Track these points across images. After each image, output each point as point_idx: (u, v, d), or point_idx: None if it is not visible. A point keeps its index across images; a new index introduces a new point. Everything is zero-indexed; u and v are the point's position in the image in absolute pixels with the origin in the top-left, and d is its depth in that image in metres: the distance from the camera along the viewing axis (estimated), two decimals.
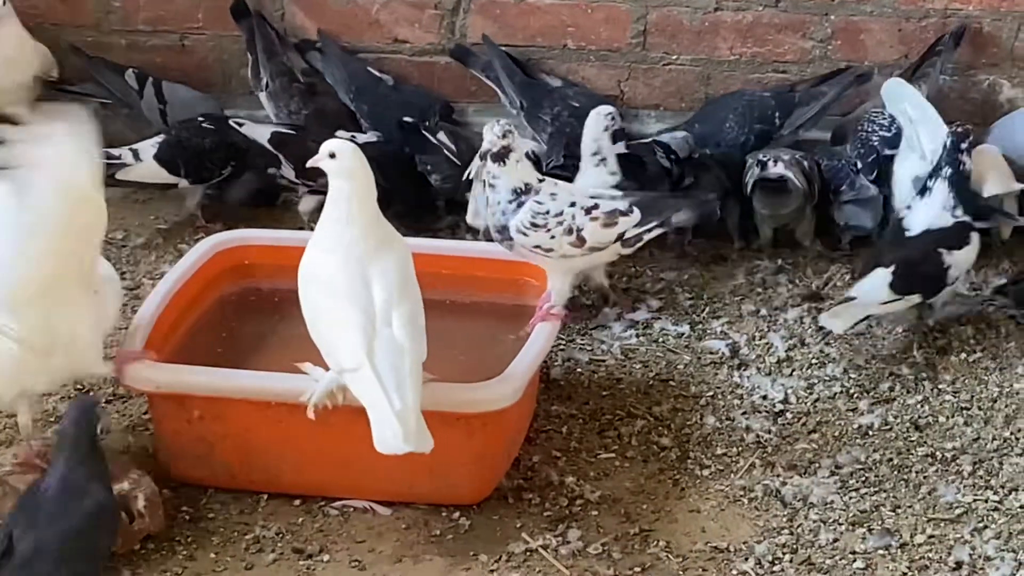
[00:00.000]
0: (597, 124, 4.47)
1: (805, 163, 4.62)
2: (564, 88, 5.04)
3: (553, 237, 4.02)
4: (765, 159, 4.60)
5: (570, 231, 4.04)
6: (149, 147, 4.75)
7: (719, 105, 4.95)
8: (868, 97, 4.93)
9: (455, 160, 4.76)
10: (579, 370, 4.16)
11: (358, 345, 3.36)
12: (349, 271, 3.42)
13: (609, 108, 4.51)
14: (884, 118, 4.68)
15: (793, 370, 4.16)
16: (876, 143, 4.65)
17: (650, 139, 4.80)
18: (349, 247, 3.45)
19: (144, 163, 4.71)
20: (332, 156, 3.49)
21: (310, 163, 3.55)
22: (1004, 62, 4.95)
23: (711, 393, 4.07)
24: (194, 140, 4.77)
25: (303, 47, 5.15)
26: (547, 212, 4.02)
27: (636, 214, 4.12)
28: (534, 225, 4.01)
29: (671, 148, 4.71)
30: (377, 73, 5.10)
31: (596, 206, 4.09)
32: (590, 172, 4.48)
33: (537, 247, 4.03)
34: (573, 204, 4.07)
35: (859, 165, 4.64)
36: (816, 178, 4.63)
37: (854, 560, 3.48)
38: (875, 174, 4.61)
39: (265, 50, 5.03)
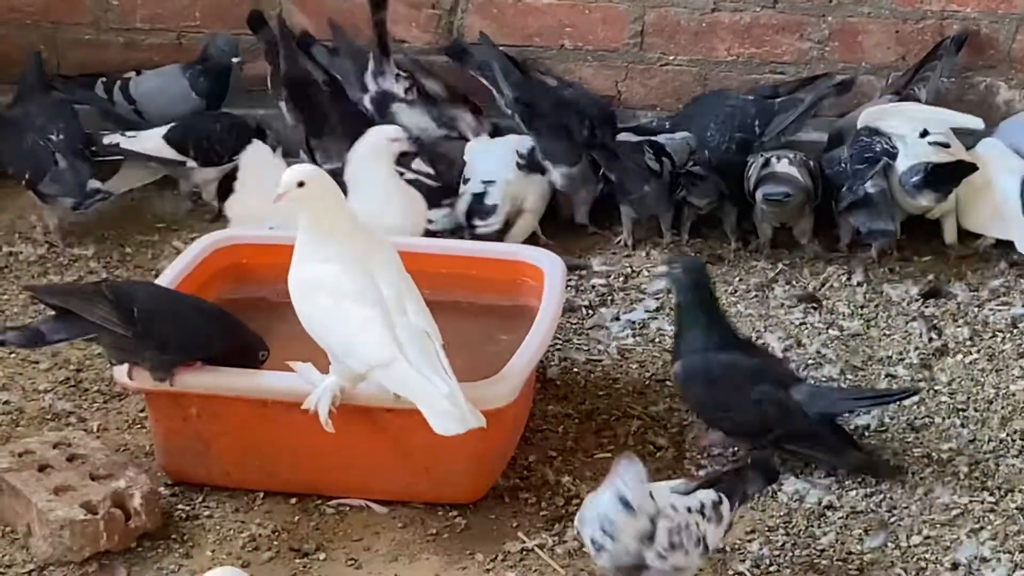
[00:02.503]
0: None
1: (810, 162, 4.64)
2: (560, 88, 5.04)
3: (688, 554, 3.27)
4: (769, 156, 4.62)
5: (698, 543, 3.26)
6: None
7: (700, 112, 4.94)
8: (863, 100, 4.94)
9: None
10: (576, 370, 4.16)
11: (386, 339, 3.35)
12: (352, 272, 3.41)
13: None
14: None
15: None
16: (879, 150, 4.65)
17: (643, 139, 4.79)
18: (342, 254, 3.44)
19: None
20: (301, 184, 3.41)
21: (276, 198, 3.45)
22: (1002, 64, 4.96)
23: None
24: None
25: (306, 42, 5.13)
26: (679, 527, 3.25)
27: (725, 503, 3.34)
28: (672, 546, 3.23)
29: (664, 149, 4.71)
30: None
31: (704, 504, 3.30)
32: None
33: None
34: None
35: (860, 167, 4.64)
36: (819, 177, 4.64)
37: (851, 561, 3.47)
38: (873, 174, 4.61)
39: (287, 58, 4.98)
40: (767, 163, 4.62)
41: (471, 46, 5.08)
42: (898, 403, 3.97)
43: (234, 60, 5.04)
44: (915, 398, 4.01)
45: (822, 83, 4.90)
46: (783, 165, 4.60)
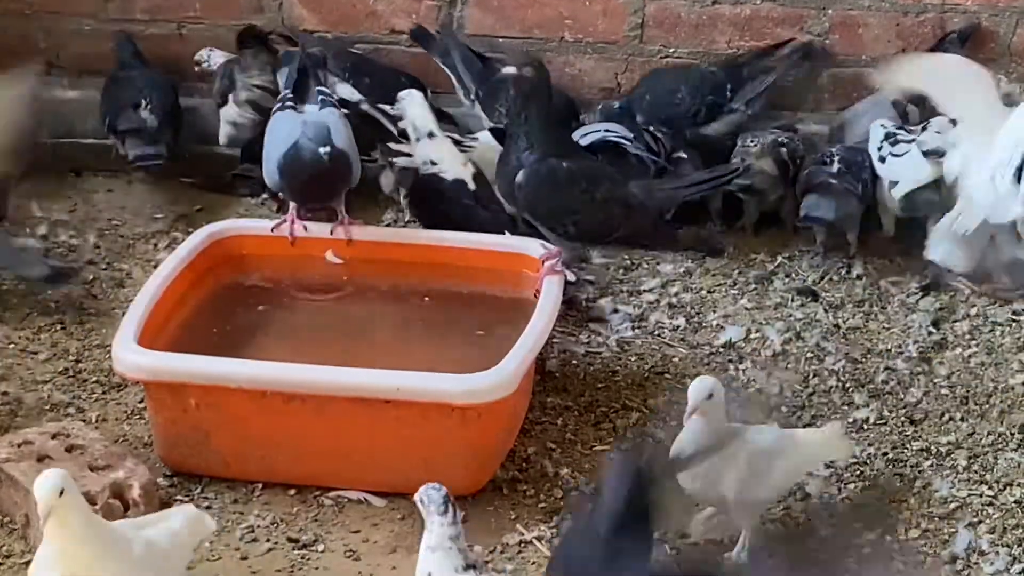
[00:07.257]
0: None
1: (783, 147, 4.63)
2: None
3: None
4: (743, 145, 4.64)
5: None
6: None
7: (668, 77, 4.92)
8: (865, 93, 4.93)
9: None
10: (575, 362, 4.16)
11: None
12: None
13: None
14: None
15: (788, 363, 4.16)
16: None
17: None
18: None
19: None
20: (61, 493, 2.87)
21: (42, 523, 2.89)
22: (1002, 57, 4.96)
23: None
24: None
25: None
26: None
27: None
28: None
29: (658, 138, 4.70)
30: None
31: None
32: None
33: None
34: None
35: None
36: (799, 158, 4.64)
37: (848, 554, 3.47)
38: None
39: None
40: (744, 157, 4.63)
41: (436, 33, 5.04)
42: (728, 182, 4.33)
43: None
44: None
45: (790, 51, 4.90)
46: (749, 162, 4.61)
